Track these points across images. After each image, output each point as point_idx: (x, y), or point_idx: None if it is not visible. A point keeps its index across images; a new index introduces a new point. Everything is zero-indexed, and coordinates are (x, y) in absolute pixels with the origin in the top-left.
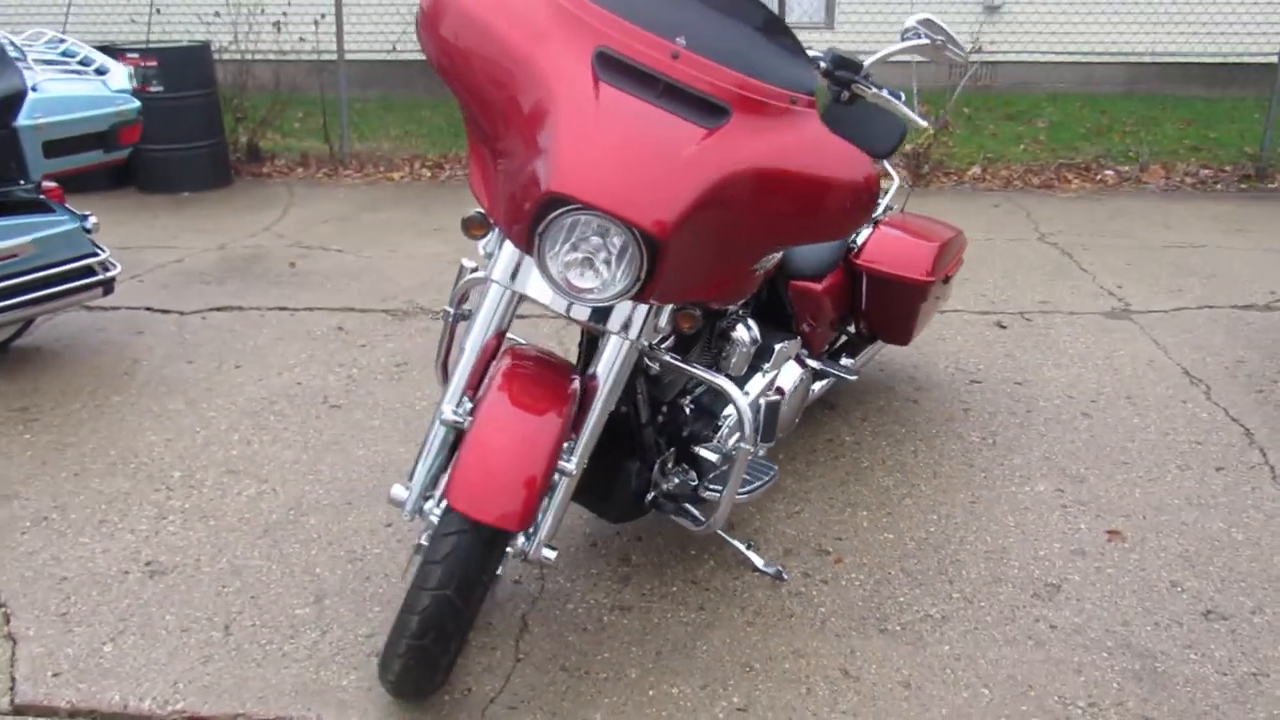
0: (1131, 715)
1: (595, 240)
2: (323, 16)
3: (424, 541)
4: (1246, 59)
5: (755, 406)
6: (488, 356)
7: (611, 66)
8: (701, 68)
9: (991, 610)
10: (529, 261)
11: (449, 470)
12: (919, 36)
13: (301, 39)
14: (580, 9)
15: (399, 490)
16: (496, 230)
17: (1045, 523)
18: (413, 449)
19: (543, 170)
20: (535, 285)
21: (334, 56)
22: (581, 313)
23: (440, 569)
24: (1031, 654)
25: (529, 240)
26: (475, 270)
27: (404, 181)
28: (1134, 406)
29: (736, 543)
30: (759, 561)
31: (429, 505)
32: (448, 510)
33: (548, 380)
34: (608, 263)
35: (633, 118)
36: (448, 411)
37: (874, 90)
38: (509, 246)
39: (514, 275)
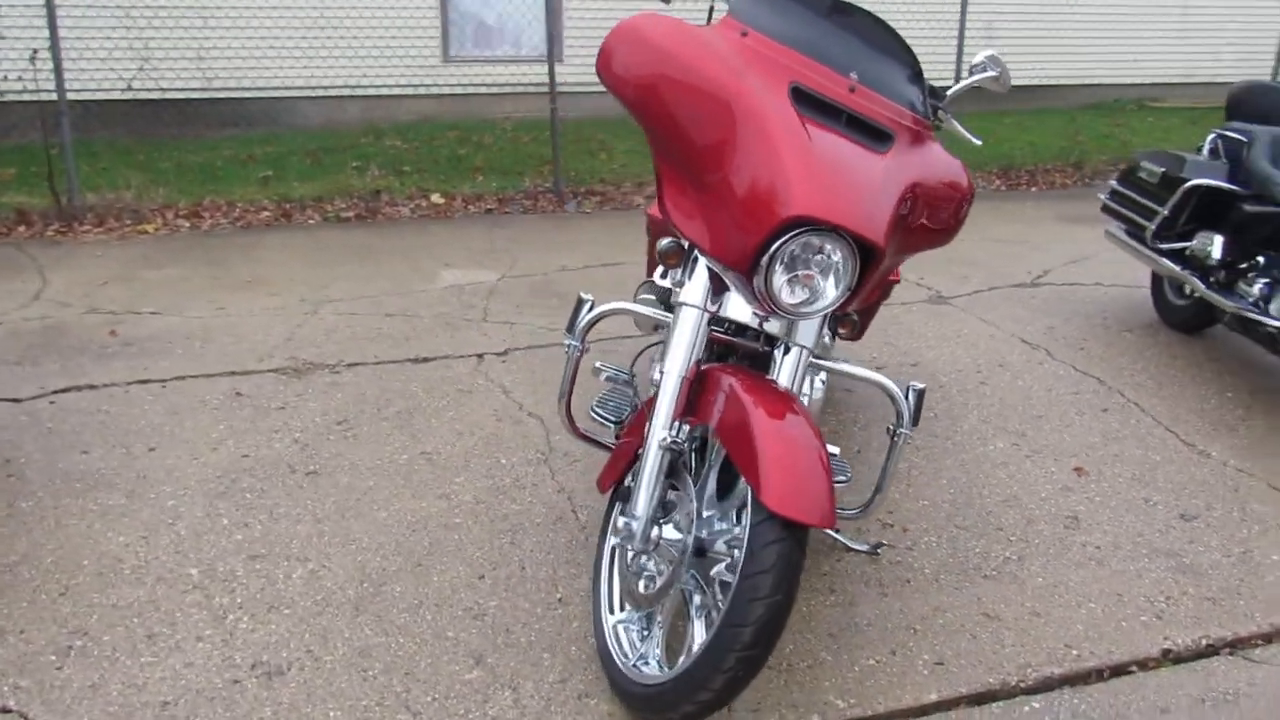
0: (1195, 599)
1: (818, 257)
2: (35, 52)
3: (659, 568)
4: None
5: (911, 394)
6: (690, 380)
7: (803, 99)
8: (872, 99)
9: (1047, 545)
10: (720, 284)
11: (758, 479)
12: (986, 70)
13: (4, 77)
14: (767, 48)
15: (623, 522)
16: (697, 257)
17: (1025, 470)
18: (430, 501)
19: (778, 196)
20: (735, 306)
21: (54, 96)
22: (775, 327)
23: (770, 577)
24: (1100, 571)
25: (755, 261)
26: (594, 303)
27: (162, 234)
28: (1010, 372)
29: (829, 532)
30: (853, 543)
31: (669, 530)
32: (762, 522)
33: (771, 390)
34: (826, 274)
35: (834, 146)
36: (667, 437)
37: (948, 115)
38: (703, 272)
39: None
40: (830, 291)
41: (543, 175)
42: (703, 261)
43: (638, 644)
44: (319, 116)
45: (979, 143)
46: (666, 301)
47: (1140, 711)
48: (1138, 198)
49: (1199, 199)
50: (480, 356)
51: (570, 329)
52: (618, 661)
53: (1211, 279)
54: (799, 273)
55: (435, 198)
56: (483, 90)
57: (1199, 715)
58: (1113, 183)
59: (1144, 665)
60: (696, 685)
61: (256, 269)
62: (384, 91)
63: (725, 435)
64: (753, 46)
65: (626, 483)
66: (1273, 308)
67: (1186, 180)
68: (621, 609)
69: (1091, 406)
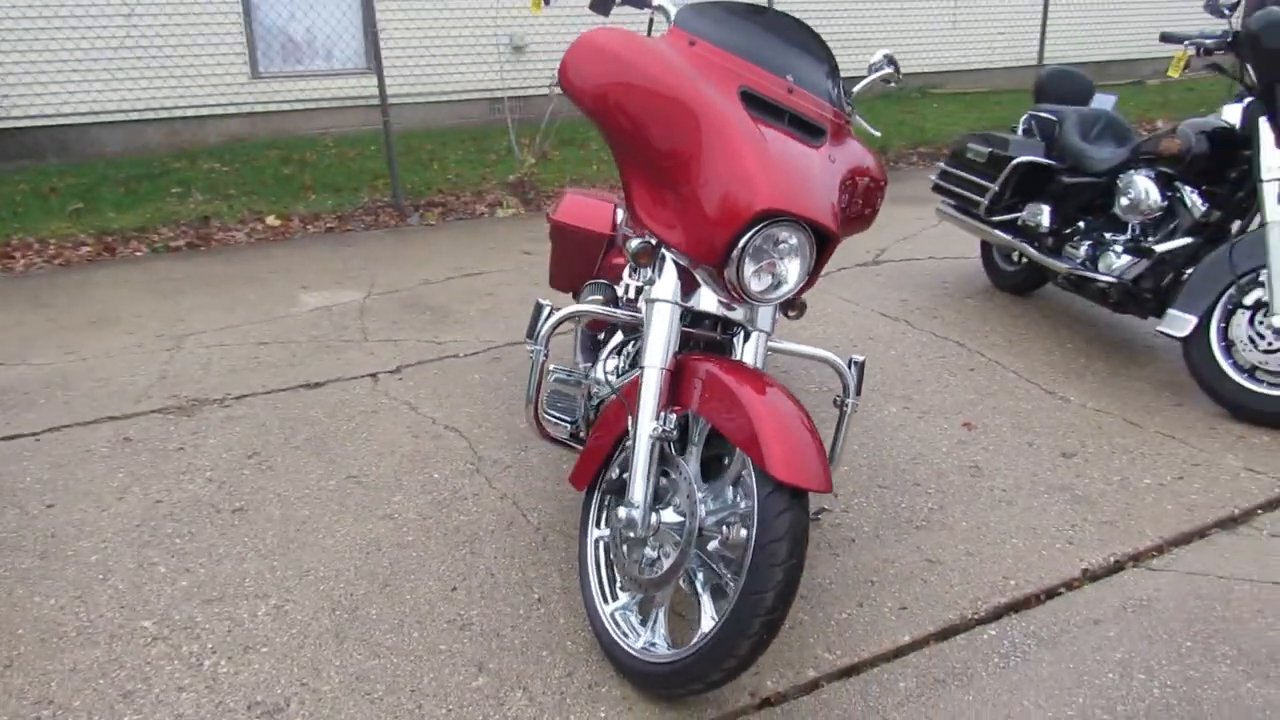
0: (1095, 524)
1: (781, 247)
2: None
3: (663, 548)
4: None
5: (854, 367)
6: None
7: (751, 102)
8: (806, 99)
9: (961, 493)
10: (688, 279)
11: (761, 453)
12: (883, 68)
13: None
14: (715, 56)
15: (624, 512)
16: (665, 255)
17: (922, 429)
18: (374, 523)
19: (745, 193)
20: (706, 298)
21: None
22: (739, 315)
23: (785, 543)
24: (1011, 510)
25: (726, 254)
26: (553, 309)
27: None
28: (881, 344)
29: None
30: None
31: (667, 514)
32: (771, 493)
33: (748, 370)
34: (788, 262)
35: (783, 144)
36: (656, 429)
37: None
38: (672, 268)
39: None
40: (793, 277)
41: (378, 190)
42: (670, 258)
43: (639, 628)
44: (117, 143)
45: (878, 134)
46: (616, 302)
47: (1078, 625)
48: (968, 176)
49: (1022, 174)
50: (374, 376)
51: (532, 336)
52: (625, 647)
53: (1038, 245)
54: (765, 262)
55: (271, 220)
56: (297, 106)
57: (1125, 621)
58: (941, 164)
59: (1070, 586)
60: (723, 653)
61: (96, 308)
62: (189, 113)
63: (716, 417)
64: (702, 54)
65: (612, 475)
66: (1100, 265)
67: (1013, 158)
68: (615, 598)
69: (960, 368)
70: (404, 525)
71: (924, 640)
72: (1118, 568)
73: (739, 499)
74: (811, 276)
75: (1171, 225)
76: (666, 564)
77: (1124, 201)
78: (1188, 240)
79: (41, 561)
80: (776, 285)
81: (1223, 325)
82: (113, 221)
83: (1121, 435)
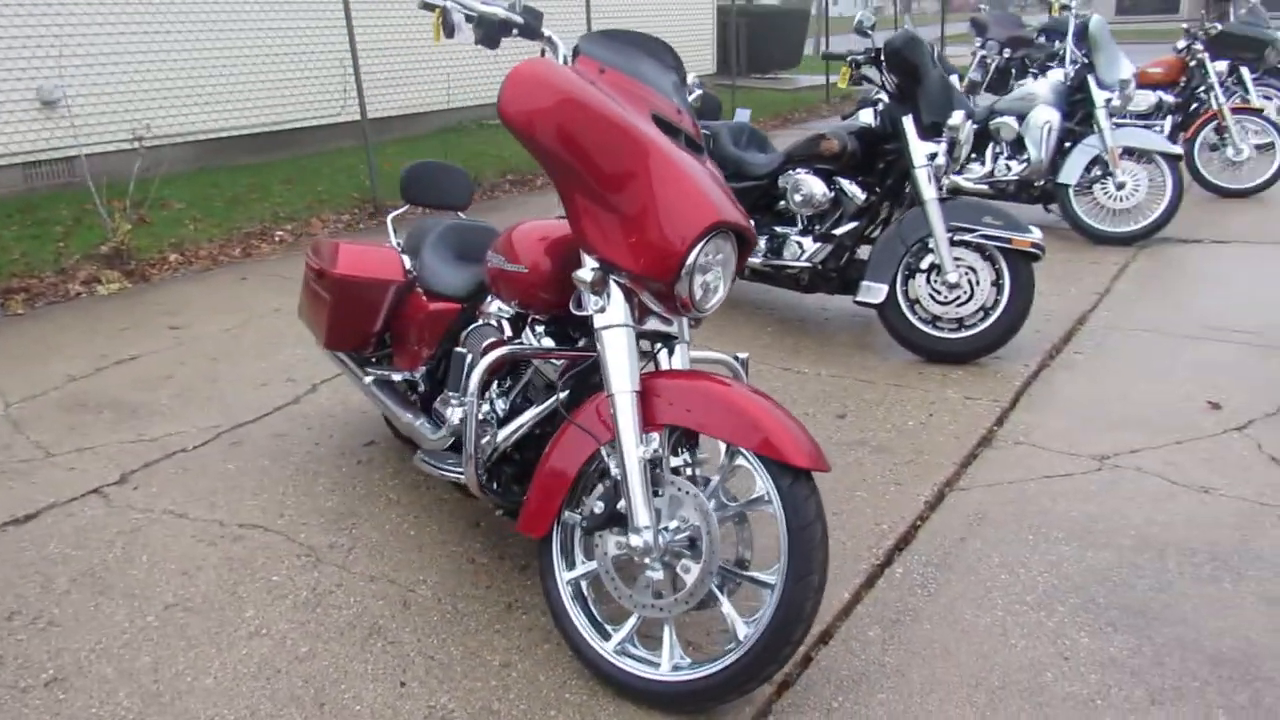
0: (902, 465)
1: (719, 257)
2: None
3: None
4: (277, 128)
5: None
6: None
7: (660, 125)
8: (689, 121)
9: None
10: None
11: (777, 447)
12: (694, 90)
13: None
14: (624, 82)
15: (636, 539)
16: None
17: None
18: (249, 647)
19: (693, 210)
20: (655, 319)
21: None
22: (674, 328)
23: (819, 524)
24: (864, 451)
25: (679, 270)
26: (473, 356)
27: None
28: None
29: None
30: None
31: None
32: (795, 481)
33: (706, 375)
34: (727, 267)
35: (695, 163)
36: (645, 451)
37: None
38: (620, 294)
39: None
40: (726, 285)
41: None
42: (614, 283)
43: (651, 655)
44: None
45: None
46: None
47: (950, 545)
48: None
49: None
50: (99, 492)
51: (461, 389)
52: (650, 677)
53: None
54: (709, 274)
55: None
56: None
57: (976, 532)
58: None
59: (922, 518)
60: (780, 643)
61: None
62: None
63: (706, 425)
64: (614, 81)
65: (595, 510)
66: (786, 254)
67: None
68: (608, 635)
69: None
70: (284, 638)
71: (858, 592)
72: (942, 496)
73: (720, 498)
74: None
75: (838, 213)
76: (691, 578)
77: (797, 198)
78: (855, 224)
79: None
80: (713, 294)
81: (904, 289)
82: None
83: (865, 392)
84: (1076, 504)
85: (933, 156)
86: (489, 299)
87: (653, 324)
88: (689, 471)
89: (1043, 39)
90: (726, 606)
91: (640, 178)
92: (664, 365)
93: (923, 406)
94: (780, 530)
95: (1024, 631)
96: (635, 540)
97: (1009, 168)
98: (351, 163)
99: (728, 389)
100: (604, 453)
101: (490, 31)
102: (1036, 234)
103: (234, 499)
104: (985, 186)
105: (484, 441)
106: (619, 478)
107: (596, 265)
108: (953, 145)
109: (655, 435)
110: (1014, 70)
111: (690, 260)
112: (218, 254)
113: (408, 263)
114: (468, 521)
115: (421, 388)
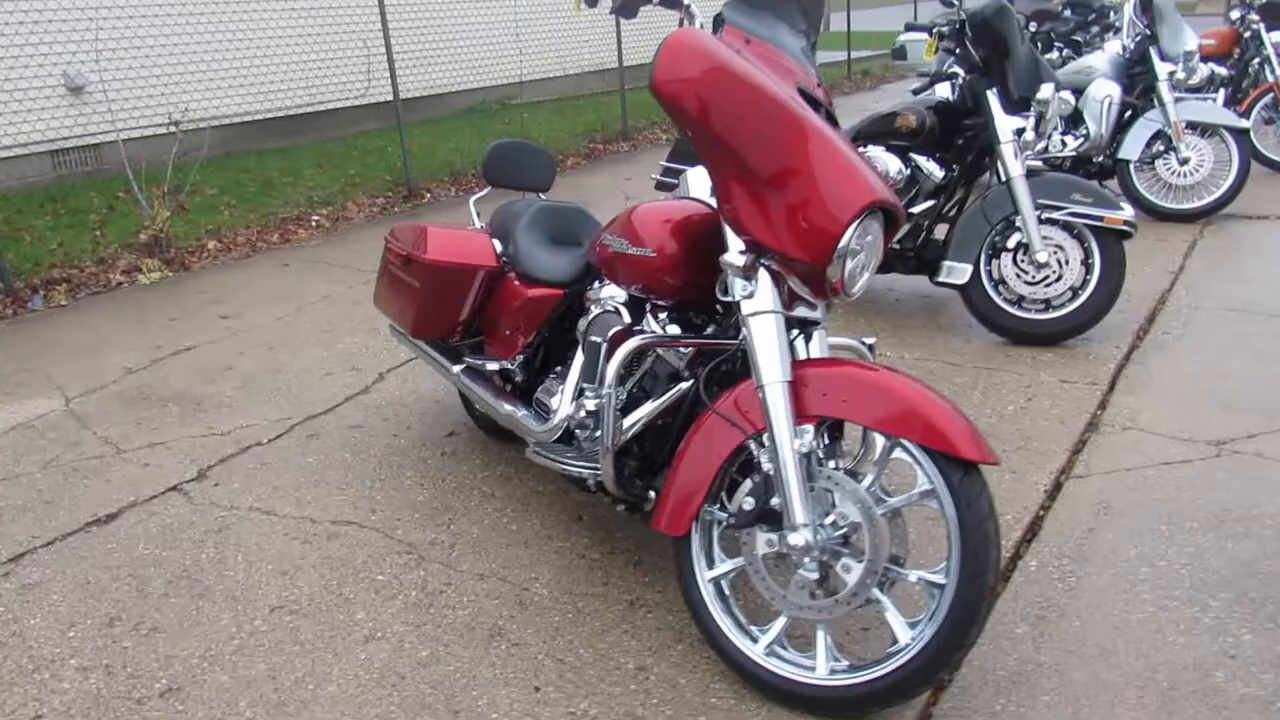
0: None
1: (868, 239)
2: None
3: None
4: (303, 110)
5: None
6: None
7: (804, 98)
8: (826, 93)
9: None
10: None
11: (948, 439)
12: None
13: None
14: (769, 53)
15: (794, 538)
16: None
17: None
18: (365, 652)
19: (849, 188)
20: (803, 305)
21: None
22: (818, 313)
23: (992, 521)
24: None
25: (833, 251)
26: (609, 344)
27: None
28: None
29: None
30: None
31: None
32: (965, 475)
33: (868, 365)
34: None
35: (842, 137)
36: (799, 445)
37: None
38: (768, 279)
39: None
40: (871, 268)
41: None
42: (763, 267)
43: (803, 658)
44: None
45: None
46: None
47: (1081, 535)
48: None
49: None
50: (178, 489)
51: (598, 380)
52: (806, 681)
53: None
54: (860, 255)
55: None
56: None
57: (1109, 523)
58: (664, 163)
59: (1044, 508)
60: (954, 645)
61: None
62: None
63: (868, 417)
64: (760, 52)
65: (744, 507)
66: None
67: None
68: (755, 637)
69: None
70: (402, 641)
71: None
72: (1059, 485)
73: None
74: None
75: (913, 191)
76: (852, 578)
77: None
78: (931, 202)
79: None
80: (860, 276)
81: (988, 269)
82: None
83: (954, 376)
84: (1203, 492)
85: (1020, 132)
86: (598, 284)
87: (800, 310)
88: (832, 464)
89: (1068, 12)
90: (890, 609)
91: (797, 155)
92: (800, 353)
93: (1019, 391)
94: (950, 527)
95: (1181, 628)
96: (795, 539)
97: (1064, 143)
98: (380, 145)
99: (886, 377)
100: (751, 446)
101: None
102: (1128, 211)
103: (320, 494)
104: (1039, 163)
105: (598, 435)
106: (769, 472)
107: (744, 248)
108: (1039, 120)
109: (809, 428)
110: (1039, 44)
111: (844, 241)
112: (255, 240)
113: (498, 247)
114: (570, 515)
115: (518, 377)
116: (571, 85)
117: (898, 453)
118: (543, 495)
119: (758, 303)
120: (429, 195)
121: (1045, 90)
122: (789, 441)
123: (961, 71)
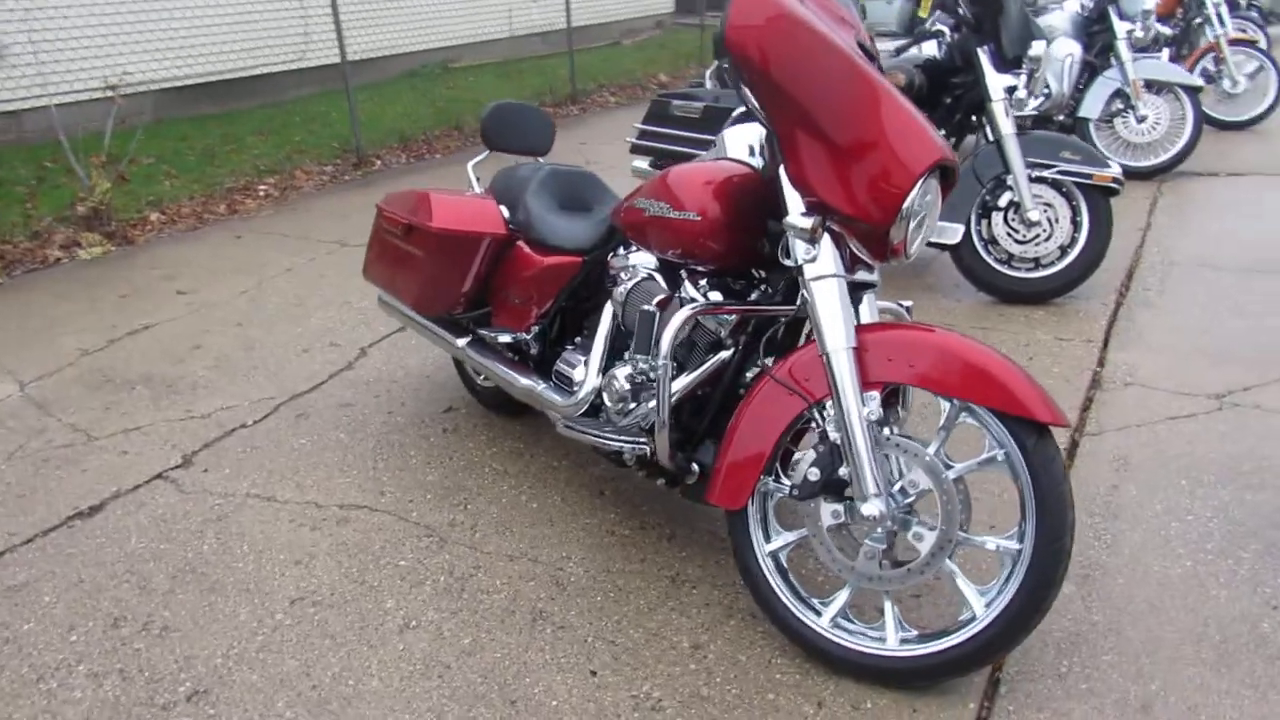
0: None
1: (928, 199)
2: None
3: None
4: (240, 74)
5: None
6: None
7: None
8: (873, 41)
9: None
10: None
11: (1021, 403)
12: None
13: None
14: (834, 8)
15: (867, 508)
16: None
17: None
18: (399, 639)
19: (916, 146)
20: (862, 268)
21: None
22: (874, 275)
23: (1066, 484)
24: None
25: (898, 210)
26: (659, 313)
27: None
28: None
29: None
30: None
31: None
32: (1039, 439)
33: (930, 328)
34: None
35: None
36: (867, 414)
37: None
38: (829, 242)
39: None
40: (928, 227)
41: None
42: (825, 230)
43: (867, 631)
44: None
45: None
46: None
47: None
48: (682, 132)
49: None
50: (164, 477)
51: (652, 351)
52: (873, 652)
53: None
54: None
55: None
56: None
57: (1135, 469)
58: (640, 125)
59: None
60: (1031, 611)
61: None
62: None
63: (935, 382)
64: (822, 4)
65: (810, 477)
66: None
67: (732, 109)
68: (817, 610)
69: None
70: (440, 629)
71: None
72: (1075, 442)
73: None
74: None
75: None
76: (925, 546)
77: None
78: None
79: None
80: (919, 236)
81: (978, 228)
82: None
83: None
84: (1214, 445)
85: (1011, 90)
86: (624, 250)
87: (860, 274)
88: (891, 430)
89: None
90: (961, 577)
91: (865, 111)
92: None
93: (1018, 350)
94: (1025, 492)
95: (1220, 581)
96: (867, 509)
97: (1026, 103)
98: (322, 110)
99: (953, 340)
100: (815, 414)
101: None
102: (1116, 168)
103: (321, 477)
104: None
105: (633, 408)
106: (835, 442)
107: (805, 209)
108: (1029, 77)
109: (875, 394)
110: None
111: (909, 201)
112: (201, 211)
113: (505, 213)
114: (591, 490)
115: (533, 349)
116: (513, 48)
117: (966, 418)
118: (559, 470)
119: (820, 266)
120: (379, 162)
121: (1038, 48)
122: (857, 410)
123: (947, 29)
